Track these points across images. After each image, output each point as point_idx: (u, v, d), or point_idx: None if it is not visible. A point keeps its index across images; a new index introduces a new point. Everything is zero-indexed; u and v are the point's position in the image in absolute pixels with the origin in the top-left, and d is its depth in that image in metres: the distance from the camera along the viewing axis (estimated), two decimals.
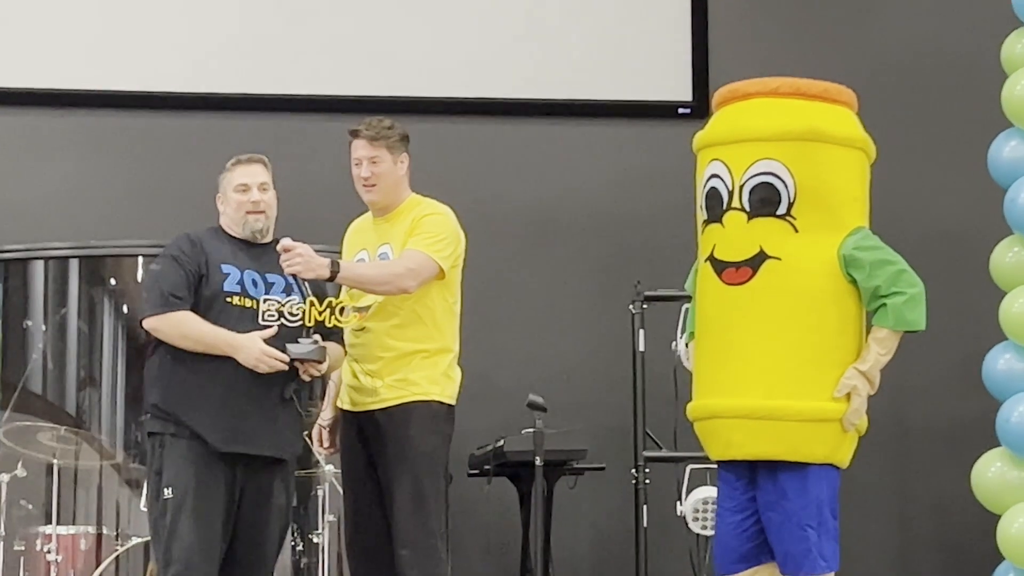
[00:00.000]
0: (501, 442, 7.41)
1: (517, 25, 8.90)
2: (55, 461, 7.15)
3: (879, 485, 8.70)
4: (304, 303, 5.52)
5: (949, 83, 8.96)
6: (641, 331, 7.70)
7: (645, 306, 7.76)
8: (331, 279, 5.55)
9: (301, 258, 5.49)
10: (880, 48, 9.05)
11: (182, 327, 5.48)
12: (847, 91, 5.71)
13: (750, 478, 5.53)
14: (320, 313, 5.52)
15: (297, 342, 5.50)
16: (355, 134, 5.80)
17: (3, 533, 7.13)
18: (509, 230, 8.69)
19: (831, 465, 5.53)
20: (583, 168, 8.82)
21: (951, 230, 8.84)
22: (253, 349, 5.42)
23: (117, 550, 7.07)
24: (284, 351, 5.49)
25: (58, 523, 7.07)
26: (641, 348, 7.69)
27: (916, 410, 8.78)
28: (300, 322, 5.52)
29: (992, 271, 7.29)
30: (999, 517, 7.04)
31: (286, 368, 5.45)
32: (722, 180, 5.54)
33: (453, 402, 5.74)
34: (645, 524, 7.52)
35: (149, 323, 5.55)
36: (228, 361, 5.45)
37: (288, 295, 5.57)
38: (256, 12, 8.79)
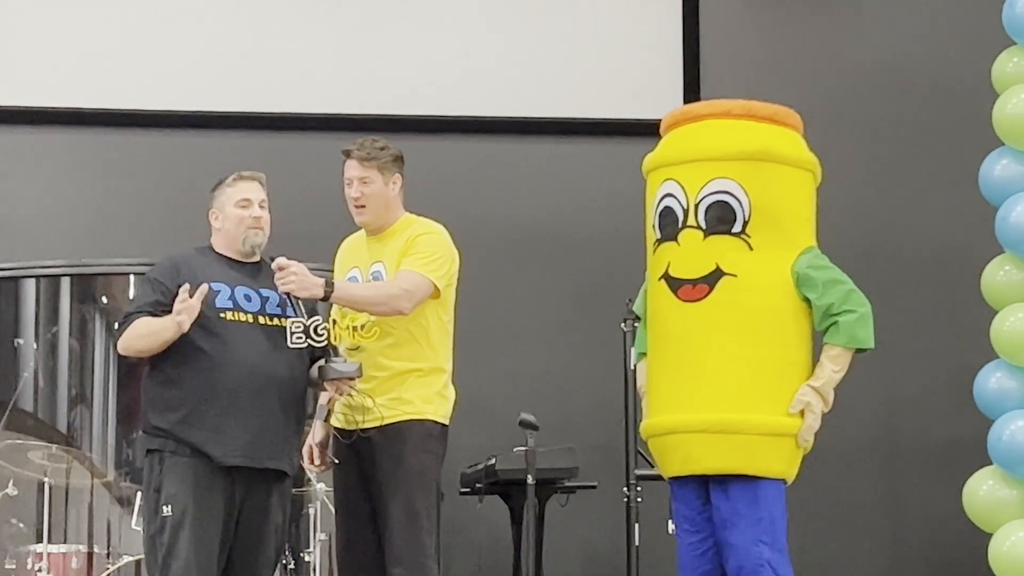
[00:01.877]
0: (492, 460, 7.42)
1: (509, 45, 8.93)
2: (46, 479, 7.13)
3: (871, 503, 8.71)
4: (328, 322, 5.52)
5: (940, 102, 8.99)
6: (632, 349, 7.70)
7: (636, 324, 7.75)
8: (325, 299, 5.55)
9: (296, 276, 5.49)
10: (872, 66, 9.07)
11: (135, 330, 5.51)
12: (794, 114, 5.83)
13: (705, 497, 5.61)
14: (344, 330, 5.55)
15: (334, 360, 5.51)
16: (347, 154, 5.79)
17: None
18: (500, 248, 8.70)
19: (781, 481, 5.60)
20: (574, 186, 8.84)
21: (943, 248, 8.85)
22: (181, 306, 5.38)
23: (108, 569, 7.06)
24: (321, 372, 5.53)
25: (49, 542, 7.05)
26: (632, 366, 7.69)
27: (908, 428, 8.79)
28: (326, 341, 5.52)
29: (983, 289, 7.29)
30: (991, 535, 7.04)
31: (195, 308, 5.40)
32: (676, 199, 5.65)
33: (446, 421, 5.73)
34: (637, 542, 7.49)
35: (119, 347, 5.61)
36: (229, 375, 5.44)
37: (283, 311, 5.56)
38: (249, 31, 8.81)
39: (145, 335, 5.49)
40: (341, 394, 5.63)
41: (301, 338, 5.49)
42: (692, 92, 8.87)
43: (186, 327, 5.41)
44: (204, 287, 5.46)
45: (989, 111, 7.30)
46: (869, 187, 9.01)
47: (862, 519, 8.65)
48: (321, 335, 5.50)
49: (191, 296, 5.41)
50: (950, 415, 8.50)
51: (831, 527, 8.66)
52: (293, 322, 5.50)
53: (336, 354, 5.54)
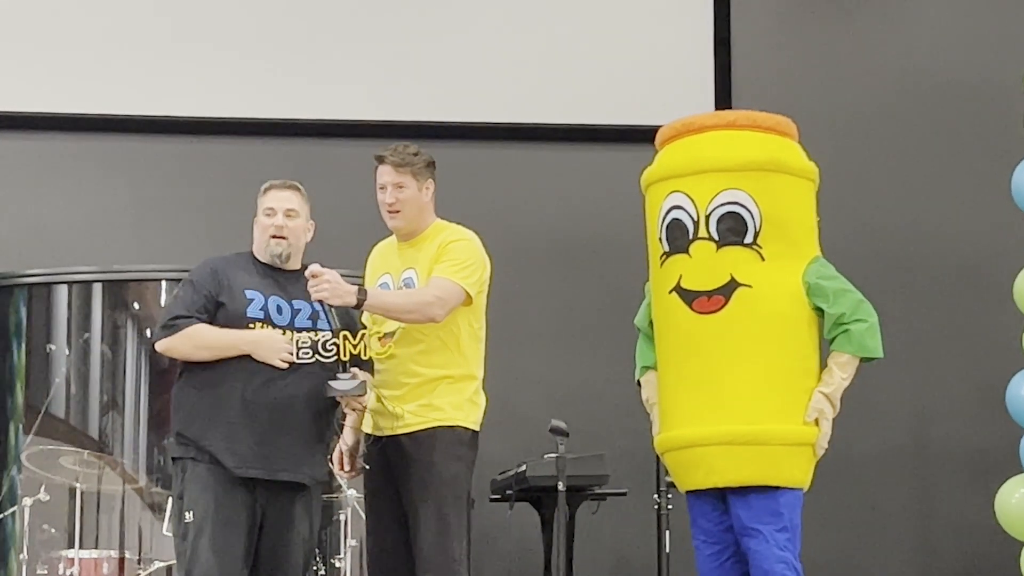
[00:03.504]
0: (523, 467, 7.41)
1: (542, 52, 8.95)
2: (78, 485, 7.17)
3: (902, 511, 8.70)
4: (337, 338, 5.52)
5: (972, 109, 8.97)
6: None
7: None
8: (358, 306, 5.53)
9: (329, 284, 5.48)
10: (903, 74, 9.06)
11: (194, 339, 5.49)
12: (793, 125, 5.83)
13: (723, 509, 5.61)
14: (355, 347, 5.52)
15: (336, 378, 5.50)
16: (381, 160, 5.79)
17: (26, 557, 7.15)
18: (530, 254, 8.71)
19: (799, 489, 5.61)
20: (604, 192, 8.84)
21: (974, 255, 8.83)
22: (276, 343, 5.44)
23: (139, 574, 7.08)
24: (325, 389, 5.49)
25: (81, 547, 7.09)
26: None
27: (939, 436, 8.77)
28: (335, 357, 5.52)
29: (1016, 297, 7.27)
30: (1023, 544, 7.02)
31: (295, 360, 5.44)
32: (685, 211, 5.65)
33: (477, 428, 5.73)
34: (667, 549, 7.50)
35: (160, 346, 5.58)
36: (249, 385, 5.44)
37: (314, 322, 5.56)
38: (282, 37, 8.84)
39: (207, 347, 5.48)
40: (353, 410, 5.64)
41: (308, 353, 5.48)
42: (723, 99, 8.88)
43: (275, 363, 5.45)
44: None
45: (1021, 117, 7.28)
46: (900, 194, 9.00)
47: (894, 527, 8.63)
48: (329, 351, 5.49)
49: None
50: (982, 423, 8.48)
51: (863, 535, 8.64)
52: (300, 338, 5.50)
53: (344, 370, 5.52)
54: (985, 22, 9.09)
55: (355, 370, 5.53)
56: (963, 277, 8.77)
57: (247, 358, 5.46)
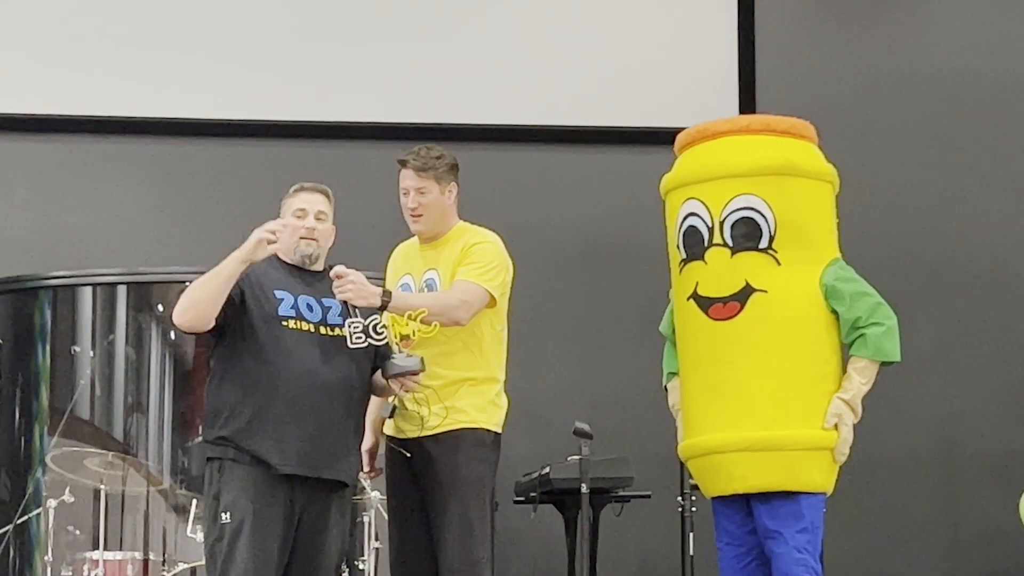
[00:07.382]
0: (547, 469, 7.41)
1: (565, 53, 8.94)
2: (102, 487, 7.18)
3: (929, 514, 8.67)
4: (386, 319, 5.52)
5: (998, 110, 8.95)
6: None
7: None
8: (382, 308, 5.54)
9: (353, 285, 5.48)
10: (927, 76, 9.04)
11: (191, 289, 5.45)
12: (810, 126, 5.80)
13: (747, 511, 5.62)
14: (404, 327, 5.55)
15: (392, 358, 5.52)
16: (403, 164, 5.79)
17: (51, 558, 7.16)
18: (554, 257, 8.70)
19: (821, 493, 5.60)
20: (629, 194, 8.83)
21: (1000, 258, 8.81)
22: (254, 236, 5.39)
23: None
24: (383, 370, 5.52)
25: (105, 549, 7.09)
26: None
27: (966, 439, 8.74)
28: (386, 338, 5.52)
29: None
30: None
31: (275, 232, 5.41)
32: (700, 218, 5.65)
33: (499, 430, 5.74)
34: (691, 552, 7.49)
35: (175, 317, 5.49)
36: (289, 384, 5.44)
37: (345, 319, 5.55)
38: (305, 40, 8.85)
39: (206, 285, 5.41)
40: (407, 391, 5.61)
41: (361, 337, 5.48)
42: (747, 100, 8.87)
43: (261, 247, 5.39)
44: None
45: None
46: (926, 196, 8.97)
47: (920, 531, 8.60)
48: (381, 333, 5.49)
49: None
50: (1009, 426, 8.47)
51: (889, 539, 8.62)
52: (352, 322, 5.49)
53: (397, 350, 5.55)
54: (1009, 23, 9.06)
55: (407, 349, 5.57)
56: (989, 279, 8.74)
57: (286, 358, 5.45)
